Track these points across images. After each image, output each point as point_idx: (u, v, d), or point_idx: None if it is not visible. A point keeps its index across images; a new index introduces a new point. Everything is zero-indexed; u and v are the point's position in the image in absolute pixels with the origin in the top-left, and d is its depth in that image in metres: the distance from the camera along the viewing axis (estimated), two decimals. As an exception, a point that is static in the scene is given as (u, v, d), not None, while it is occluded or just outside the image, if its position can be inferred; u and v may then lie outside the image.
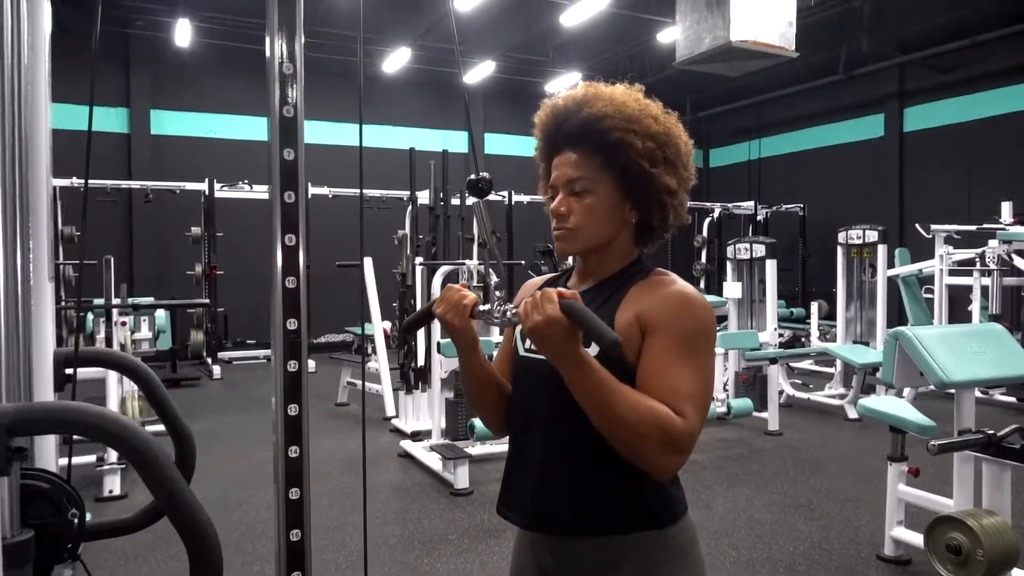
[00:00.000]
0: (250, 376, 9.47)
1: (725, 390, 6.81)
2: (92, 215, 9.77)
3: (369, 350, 8.23)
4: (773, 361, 6.46)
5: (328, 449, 5.55)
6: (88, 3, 9.68)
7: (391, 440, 6.03)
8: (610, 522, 1.25)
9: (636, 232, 1.35)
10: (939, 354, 3.09)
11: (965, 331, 3.48)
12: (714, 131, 14.83)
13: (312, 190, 10.46)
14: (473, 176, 1.27)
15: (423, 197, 7.65)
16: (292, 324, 1.11)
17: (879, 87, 11.57)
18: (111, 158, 11.00)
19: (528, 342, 1.35)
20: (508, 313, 1.19)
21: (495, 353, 1.49)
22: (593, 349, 1.17)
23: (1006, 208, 7.64)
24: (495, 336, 5.37)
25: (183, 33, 10.44)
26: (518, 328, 1.40)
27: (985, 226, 7.48)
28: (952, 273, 7.55)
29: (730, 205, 12.91)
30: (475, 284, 5.64)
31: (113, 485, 4.60)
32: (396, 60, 11.82)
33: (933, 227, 7.68)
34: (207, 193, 10.08)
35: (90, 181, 9.30)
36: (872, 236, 7.58)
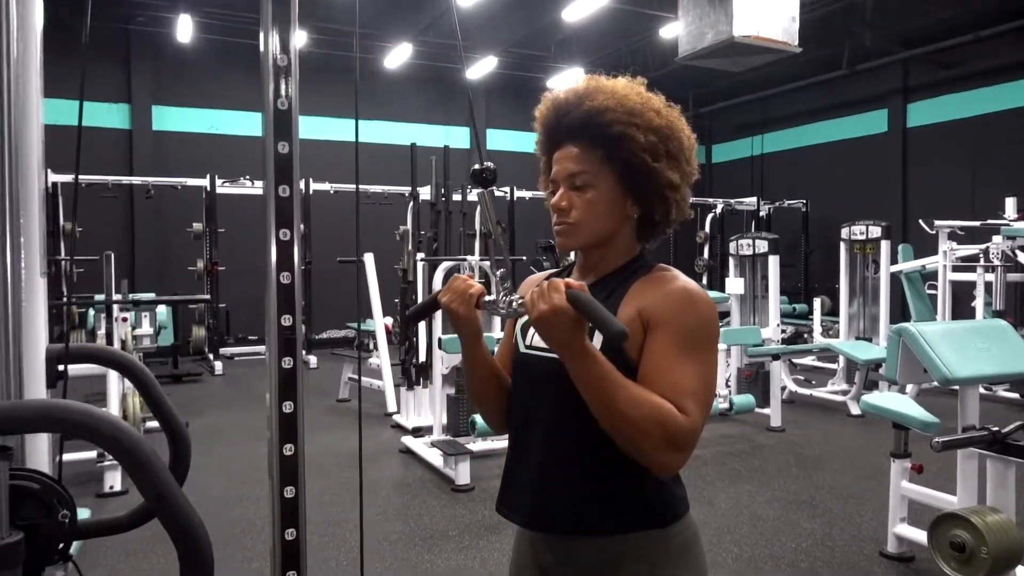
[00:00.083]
0: (251, 372, 9.47)
1: (727, 386, 6.79)
2: (94, 211, 9.78)
3: (371, 346, 8.22)
4: (775, 357, 6.44)
5: (329, 445, 5.54)
6: (88, -2, 9.65)
7: (392, 436, 6.02)
8: (611, 521, 1.24)
9: (638, 227, 1.33)
10: (943, 350, 3.07)
11: (969, 327, 3.46)
12: (716, 127, 14.78)
13: (314, 186, 10.46)
14: (477, 166, 1.25)
15: (424, 193, 7.63)
16: (287, 320, 1.09)
17: (882, 82, 11.52)
18: (113, 154, 11.00)
19: (528, 338, 1.34)
20: (514, 303, 1.18)
21: (496, 349, 1.47)
22: (596, 341, 1.16)
23: (1010, 204, 7.61)
24: (496, 332, 5.35)
25: (184, 29, 10.42)
26: (518, 324, 1.39)
27: (989, 222, 7.45)
28: (955, 269, 7.52)
29: (733, 201, 12.88)
30: (478, 280, 5.62)
31: (114, 481, 4.60)
32: (398, 56, 11.80)
33: (937, 223, 7.65)
34: (208, 189, 10.06)
35: (92, 177, 9.38)
36: (875, 232, 7.55)
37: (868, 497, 4.46)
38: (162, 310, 8.20)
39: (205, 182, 10.07)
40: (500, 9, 10.29)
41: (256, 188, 10.37)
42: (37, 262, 1.13)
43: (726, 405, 6.04)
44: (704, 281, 11.93)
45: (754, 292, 7.77)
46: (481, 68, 12.10)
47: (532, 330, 1.34)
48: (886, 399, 3.69)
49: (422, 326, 6.25)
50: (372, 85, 12.34)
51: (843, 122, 12.49)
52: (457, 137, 13.14)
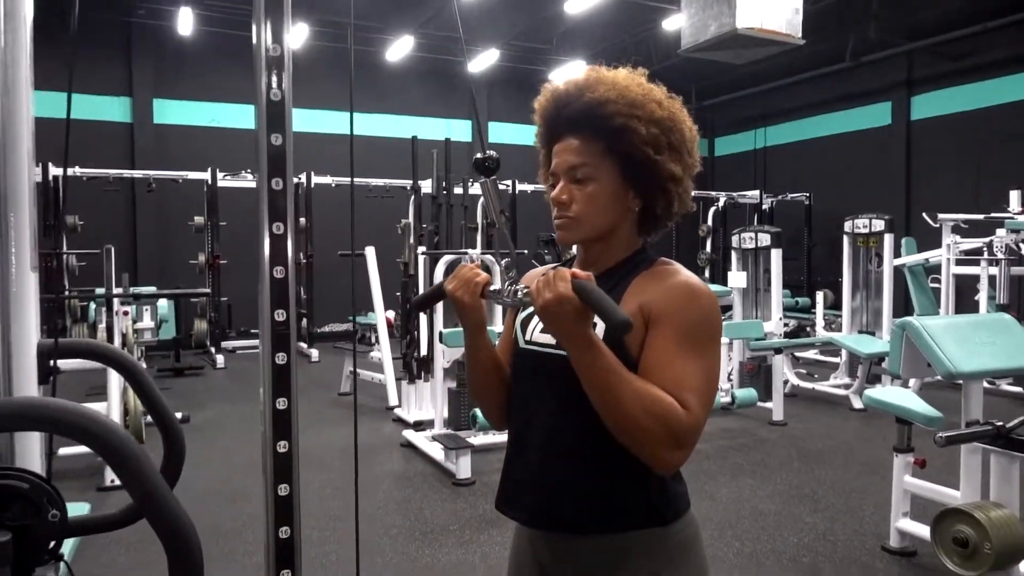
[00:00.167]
0: (253, 366, 9.29)
1: (729, 380, 6.77)
2: (95, 205, 9.77)
3: (372, 339, 8.21)
4: (778, 351, 6.42)
5: (331, 439, 5.53)
6: (89, -9, 9.63)
7: (394, 430, 6.01)
8: (612, 520, 1.22)
9: (639, 220, 1.31)
10: (947, 345, 3.05)
11: (973, 321, 3.44)
12: (719, 119, 14.73)
13: (316, 179, 10.44)
14: (479, 155, 1.23)
15: (426, 186, 7.61)
16: (280, 315, 1.07)
17: (886, 75, 11.45)
18: (114, 147, 10.98)
19: (528, 334, 1.32)
20: (519, 293, 1.16)
21: (496, 344, 1.45)
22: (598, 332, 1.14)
23: (1014, 197, 7.56)
24: (497, 327, 5.33)
25: (185, 21, 10.40)
26: (518, 320, 1.37)
27: (993, 215, 7.41)
28: (959, 262, 7.48)
29: (735, 194, 12.83)
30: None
31: (115, 475, 4.59)
32: (399, 48, 11.76)
33: (940, 216, 7.61)
34: (210, 182, 10.05)
35: (93, 170, 9.36)
36: (878, 225, 7.52)
37: (870, 492, 4.44)
38: (163, 304, 8.21)
39: (206, 175, 10.06)
40: (501, 1, 10.24)
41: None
42: (28, 256, 1.12)
43: (728, 399, 6.02)
44: (706, 275, 11.90)
45: (756, 286, 7.75)
46: (483, 61, 12.05)
47: (532, 325, 1.32)
48: (889, 393, 3.67)
49: (423, 320, 6.24)
50: (373, 78, 12.30)
51: (847, 115, 12.43)
52: (459, 130, 13.10)
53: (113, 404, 4.79)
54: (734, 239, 7.78)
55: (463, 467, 4.69)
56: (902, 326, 3.23)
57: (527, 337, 1.32)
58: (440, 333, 5.23)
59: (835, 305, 9.60)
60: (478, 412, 4.91)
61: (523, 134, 13.82)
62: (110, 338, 5.15)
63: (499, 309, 5.76)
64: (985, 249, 7.21)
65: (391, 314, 7.55)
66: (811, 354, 8.97)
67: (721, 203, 12.52)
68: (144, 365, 7.38)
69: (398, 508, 4.30)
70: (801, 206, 12.68)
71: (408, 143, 8.10)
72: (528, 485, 1.29)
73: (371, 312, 7.43)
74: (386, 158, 10.94)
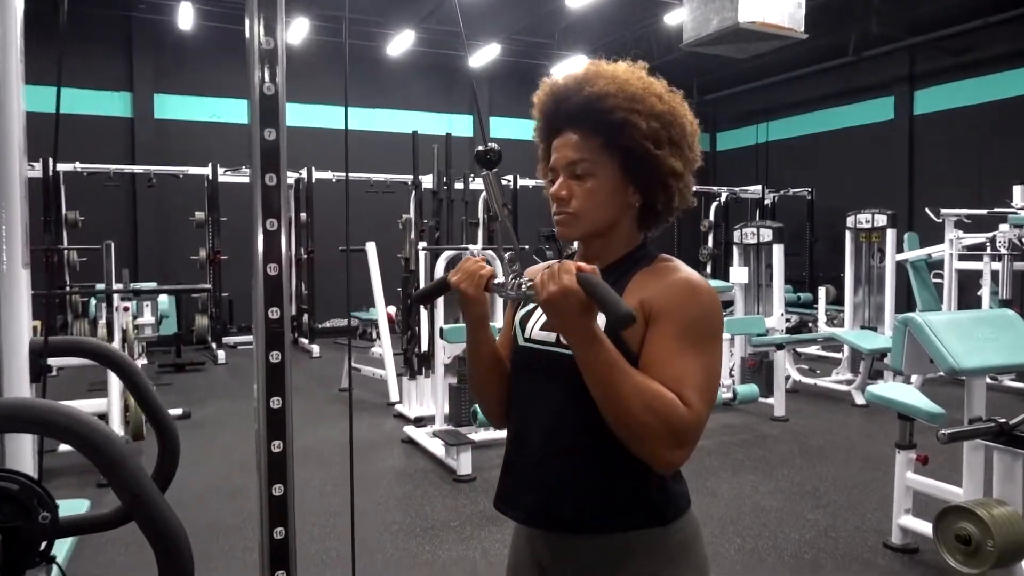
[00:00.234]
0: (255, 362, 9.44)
1: (731, 375, 6.76)
2: (96, 200, 9.77)
3: (373, 335, 8.21)
4: (780, 346, 6.40)
5: (331, 435, 5.53)
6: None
7: (395, 425, 6.01)
8: (612, 519, 1.21)
9: (640, 216, 1.30)
10: (950, 341, 3.03)
11: (976, 317, 3.42)
12: (721, 114, 14.69)
13: (316, 174, 10.42)
14: (481, 147, 1.21)
15: (427, 181, 7.59)
16: (274, 313, 1.06)
17: (889, 69, 11.41)
18: (115, 142, 10.97)
19: (528, 331, 1.31)
20: (523, 286, 1.15)
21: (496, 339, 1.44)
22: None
23: (1018, 192, 7.52)
24: (497, 322, 5.32)
25: (186, 16, 10.37)
26: (517, 317, 1.36)
27: (996, 210, 7.38)
28: (962, 258, 7.46)
29: (737, 189, 12.80)
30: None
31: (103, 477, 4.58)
32: (400, 43, 11.72)
33: (943, 211, 7.58)
34: (210, 178, 10.03)
35: (94, 166, 9.35)
36: (881, 220, 7.49)
37: (872, 488, 4.43)
38: (164, 299, 8.20)
39: (207, 171, 10.04)
40: (503, -5, 10.21)
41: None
42: (19, 253, 1.10)
43: (730, 395, 6.00)
44: (708, 270, 11.88)
45: (758, 281, 7.73)
46: (484, 55, 12.01)
47: (531, 323, 1.31)
48: (891, 389, 3.66)
49: (424, 315, 6.22)
50: (374, 73, 12.27)
51: (849, 109, 12.39)
52: (460, 125, 13.08)
53: (113, 400, 4.79)
54: (736, 234, 7.75)
55: (464, 463, 4.68)
56: (904, 322, 3.21)
57: (526, 335, 1.31)
58: (441, 329, 5.22)
59: (837, 301, 9.57)
60: (479, 408, 4.90)
61: (524, 129, 13.72)
62: (110, 334, 5.14)
63: (499, 306, 5.74)
64: (988, 244, 7.18)
65: (392, 309, 7.54)
66: (813, 350, 8.96)
67: (723, 198, 12.49)
68: (145, 361, 7.39)
69: (399, 504, 4.29)
70: (803, 201, 12.65)
71: (409, 138, 8.09)
72: (527, 484, 1.28)
73: (372, 308, 7.42)
74: (387, 153, 10.93)
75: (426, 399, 6.17)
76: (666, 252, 1.30)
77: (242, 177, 10.23)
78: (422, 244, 6.70)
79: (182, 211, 10.53)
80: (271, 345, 1.06)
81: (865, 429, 5.95)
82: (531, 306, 1.33)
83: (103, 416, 4.80)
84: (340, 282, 9.66)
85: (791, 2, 5.54)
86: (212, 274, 9.87)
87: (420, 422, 5.80)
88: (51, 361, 6.53)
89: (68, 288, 8.70)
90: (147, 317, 6.56)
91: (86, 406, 5.01)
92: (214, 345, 9.70)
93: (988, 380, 3.61)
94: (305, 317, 10.50)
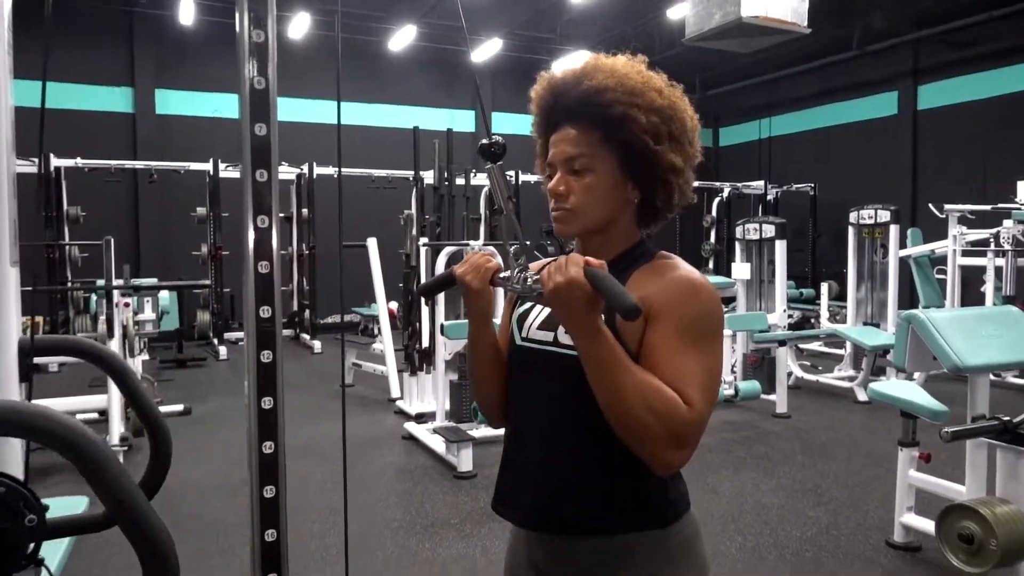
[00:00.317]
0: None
1: (733, 372, 6.73)
2: (97, 196, 9.76)
3: (375, 331, 8.19)
4: (782, 343, 6.38)
5: (332, 431, 5.50)
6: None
7: (396, 422, 5.99)
8: (612, 521, 1.19)
9: (639, 212, 1.28)
10: (953, 338, 3.01)
11: (979, 314, 3.39)
12: (724, 109, 14.64)
13: (318, 170, 10.40)
14: (485, 140, 1.19)
15: (428, 177, 7.56)
16: (265, 311, 1.04)
17: (893, 64, 11.35)
18: (116, 138, 10.95)
19: (526, 330, 1.29)
20: (529, 279, 1.13)
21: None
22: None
23: (1022, 187, 7.49)
24: (497, 319, 5.30)
25: (187, 11, 10.34)
26: (515, 316, 1.34)
27: (1000, 206, 7.35)
28: (965, 254, 7.42)
29: (740, 185, 12.76)
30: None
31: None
32: (402, 38, 11.69)
33: (947, 207, 7.55)
34: (212, 173, 10.01)
35: (95, 161, 9.34)
36: (884, 216, 7.45)
37: (875, 485, 4.41)
38: (166, 295, 8.19)
39: (208, 166, 10.02)
40: (505, -10, 10.17)
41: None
42: (7, 251, 1.08)
43: (731, 391, 5.98)
44: (711, 266, 11.85)
45: (760, 277, 7.69)
46: (486, 50, 11.97)
47: (528, 322, 1.29)
48: (894, 387, 3.64)
49: (425, 311, 6.20)
50: (376, 68, 12.24)
51: (852, 104, 12.33)
52: (462, 120, 13.04)
53: (114, 397, 4.78)
54: (738, 230, 7.72)
55: (464, 460, 4.67)
56: (907, 319, 3.19)
57: (523, 334, 1.29)
58: (442, 325, 5.20)
59: (840, 296, 9.53)
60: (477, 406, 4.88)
61: (526, 124, 13.62)
62: (110, 330, 5.13)
63: (500, 305, 5.72)
64: (992, 240, 7.16)
65: (394, 305, 7.52)
66: (815, 346, 8.94)
67: (725, 193, 12.45)
68: (146, 356, 7.37)
69: (399, 501, 4.28)
70: (806, 196, 12.61)
71: (411, 134, 8.06)
72: (525, 485, 1.26)
73: (374, 303, 7.40)
74: (389, 148, 10.90)
75: (427, 395, 6.16)
76: (669, 248, 1.29)
77: (243, 173, 10.21)
78: (423, 240, 6.68)
79: (184, 207, 10.52)
80: (262, 344, 1.05)
81: (867, 426, 5.92)
82: (528, 305, 1.31)
83: (103, 412, 4.79)
84: (343, 278, 9.64)
85: (794, -4, 5.52)
86: (213, 270, 9.86)
87: (421, 418, 5.78)
88: (52, 358, 6.48)
89: (70, 284, 8.69)
90: (148, 313, 6.54)
91: (87, 402, 5.02)
92: (215, 341, 9.70)
93: (991, 377, 3.58)
94: (307, 312, 10.48)
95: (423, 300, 6.18)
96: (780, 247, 7.13)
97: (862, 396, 6.53)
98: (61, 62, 10.22)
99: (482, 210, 8.74)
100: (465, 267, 1.24)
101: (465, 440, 4.70)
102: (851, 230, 7.77)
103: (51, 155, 8.91)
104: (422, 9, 10.94)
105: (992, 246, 7.11)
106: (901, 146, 11.48)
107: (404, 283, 6.97)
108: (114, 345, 5.10)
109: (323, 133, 10.34)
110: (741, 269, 7.37)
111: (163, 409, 5.27)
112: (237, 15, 1.03)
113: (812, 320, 9.81)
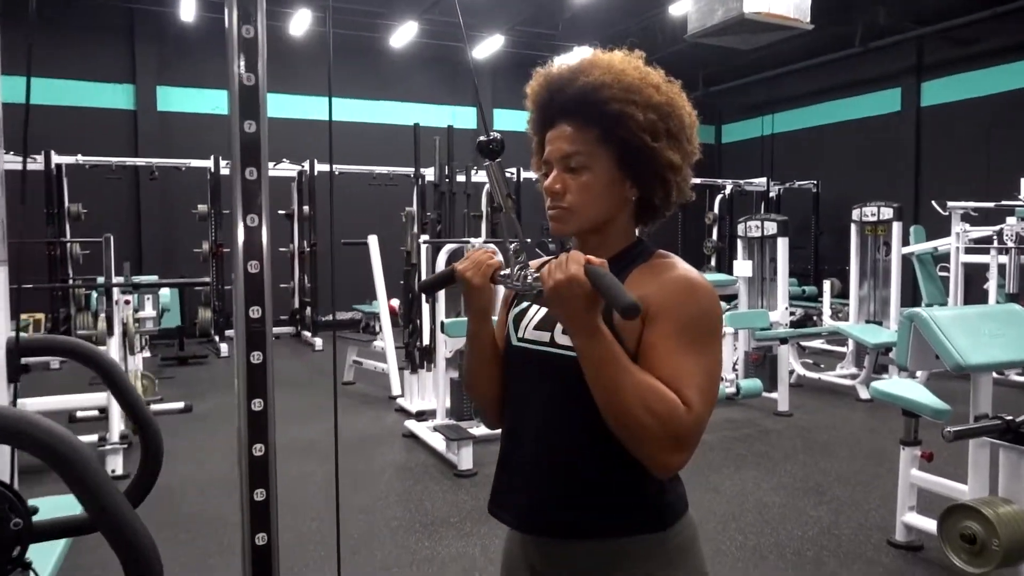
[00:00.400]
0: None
1: (735, 370, 6.71)
2: (99, 193, 9.75)
3: (376, 328, 8.18)
4: (784, 341, 6.36)
5: (332, 429, 5.51)
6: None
7: (396, 420, 5.99)
8: (609, 524, 1.18)
9: (636, 211, 1.26)
10: (955, 336, 2.99)
11: (982, 312, 3.37)
12: (726, 106, 14.59)
13: (319, 167, 10.39)
14: (483, 137, 1.17)
15: (429, 174, 7.55)
16: (255, 312, 1.02)
17: (896, 60, 11.30)
18: (117, 135, 10.94)
19: (522, 331, 1.27)
20: (529, 277, 1.12)
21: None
22: None
23: (1025, 184, 7.47)
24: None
25: (188, 8, 10.32)
26: (511, 316, 1.32)
27: (1003, 203, 7.31)
28: (968, 251, 7.39)
29: (742, 182, 12.73)
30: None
31: (116, 465, 4.58)
32: (403, 35, 11.66)
33: (950, 204, 7.52)
34: (213, 170, 10.00)
35: (96, 158, 9.33)
36: (887, 213, 7.41)
37: (876, 484, 4.39)
38: (167, 292, 8.19)
39: (210, 163, 10.01)
40: (506, -14, 10.14)
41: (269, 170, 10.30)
42: (-5, 249, 1.07)
43: (733, 389, 5.96)
44: (713, 263, 11.81)
45: (762, 274, 7.67)
46: (487, 47, 11.94)
47: (524, 322, 1.28)
48: (896, 385, 3.61)
49: (426, 309, 6.19)
50: (377, 65, 12.22)
51: (855, 101, 12.29)
52: (464, 117, 13.01)
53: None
54: (740, 227, 7.69)
55: (465, 458, 4.65)
56: (910, 317, 3.17)
57: (520, 334, 1.28)
58: (442, 323, 5.19)
59: (842, 294, 9.51)
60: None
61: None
62: (109, 327, 5.12)
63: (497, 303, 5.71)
64: (995, 237, 7.12)
65: (395, 302, 7.51)
66: (817, 344, 8.91)
67: (728, 191, 12.41)
68: (147, 354, 7.37)
69: (399, 500, 4.27)
70: (808, 194, 12.57)
71: (411, 130, 8.04)
72: (522, 488, 1.25)
73: (375, 300, 7.39)
74: (389, 146, 10.89)
75: (428, 393, 6.15)
76: (670, 246, 1.28)
77: (244, 170, 10.21)
78: (424, 237, 6.66)
79: (185, 204, 10.50)
80: (252, 345, 1.03)
81: (869, 424, 5.91)
82: (524, 305, 1.30)
83: (103, 410, 4.78)
84: (344, 275, 9.63)
85: (796, -8, 5.49)
86: (215, 267, 9.86)
87: (421, 416, 5.77)
88: (53, 357, 6.44)
89: (71, 281, 8.69)
90: (148, 310, 6.53)
91: (87, 400, 5.00)
92: (217, 338, 9.70)
93: (994, 375, 3.57)
94: (308, 310, 10.47)
95: (424, 297, 6.16)
96: (782, 244, 7.10)
97: (864, 394, 6.51)
98: (62, 59, 10.21)
99: (483, 207, 8.71)
100: (466, 264, 1.23)
101: (465, 438, 4.69)
102: (854, 227, 7.73)
103: (52, 152, 8.92)
104: (423, 5, 10.92)
105: (995, 243, 7.08)
106: (904, 143, 11.44)
107: (405, 280, 6.96)
108: (114, 343, 5.09)
109: (324, 130, 10.25)
110: (743, 266, 7.35)
111: (164, 406, 5.27)
112: (226, 10, 1.01)
113: (814, 318, 9.79)
